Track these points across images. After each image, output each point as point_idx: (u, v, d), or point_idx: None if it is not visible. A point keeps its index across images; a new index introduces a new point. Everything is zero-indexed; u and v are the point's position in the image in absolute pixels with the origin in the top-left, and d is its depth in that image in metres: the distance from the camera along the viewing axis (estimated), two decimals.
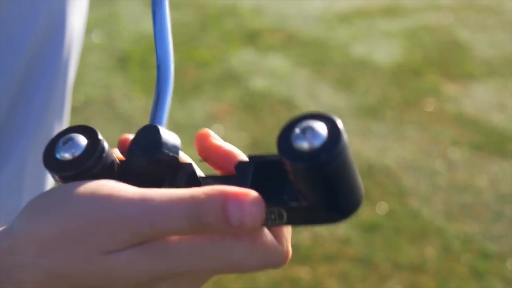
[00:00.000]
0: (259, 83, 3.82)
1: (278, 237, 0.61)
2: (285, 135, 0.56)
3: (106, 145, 0.60)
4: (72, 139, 0.59)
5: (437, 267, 2.57)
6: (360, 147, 3.26)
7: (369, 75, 4.01)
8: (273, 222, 0.60)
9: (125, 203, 0.54)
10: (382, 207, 2.87)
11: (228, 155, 0.65)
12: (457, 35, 4.53)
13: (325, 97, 3.75)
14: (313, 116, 0.57)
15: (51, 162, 0.59)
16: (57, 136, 0.60)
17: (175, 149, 0.62)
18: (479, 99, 3.75)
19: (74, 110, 3.45)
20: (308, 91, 3.80)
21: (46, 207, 0.56)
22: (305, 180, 0.56)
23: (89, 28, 4.41)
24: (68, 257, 0.55)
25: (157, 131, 0.62)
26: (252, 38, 4.40)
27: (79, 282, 0.56)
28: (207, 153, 0.65)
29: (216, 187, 0.55)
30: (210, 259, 0.56)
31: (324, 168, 0.55)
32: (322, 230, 2.73)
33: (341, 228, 2.74)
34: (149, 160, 0.61)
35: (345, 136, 0.56)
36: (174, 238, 0.55)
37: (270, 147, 3.23)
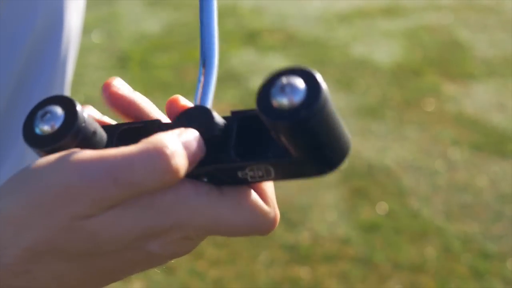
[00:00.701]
0: (259, 83, 3.81)
1: (263, 195, 0.60)
2: (264, 93, 0.55)
3: (85, 115, 0.58)
4: (50, 111, 0.58)
5: (437, 267, 2.57)
6: (360, 147, 3.26)
7: (369, 75, 4.01)
8: (261, 178, 0.60)
9: (84, 166, 0.52)
10: (382, 207, 2.87)
11: (130, 101, 0.65)
12: (457, 35, 4.53)
13: None
14: (291, 71, 0.55)
15: (31, 137, 0.58)
16: (35, 109, 0.59)
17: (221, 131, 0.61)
18: (479, 99, 3.75)
19: None
20: None
21: (15, 186, 0.55)
22: (289, 136, 0.55)
23: (89, 28, 4.41)
24: (46, 231, 0.54)
25: (208, 113, 0.61)
26: (252, 38, 4.40)
27: (65, 251, 0.55)
28: (113, 101, 0.64)
29: (165, 132, 0.54)
30: (196, 213, 0.55)
31: (306, 123, 0.54)
32: (322, 230, 2.73)
33: (341, 228, 2.74)
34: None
35: (325, 89, 0.54)
36: (158, 193, 0.54)
37: None
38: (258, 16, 4.73)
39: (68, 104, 0.58)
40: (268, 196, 0.61)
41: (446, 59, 4.22)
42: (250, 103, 3.66)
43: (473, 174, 3.09)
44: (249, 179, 0.59)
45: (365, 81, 3.93)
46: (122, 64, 4.04)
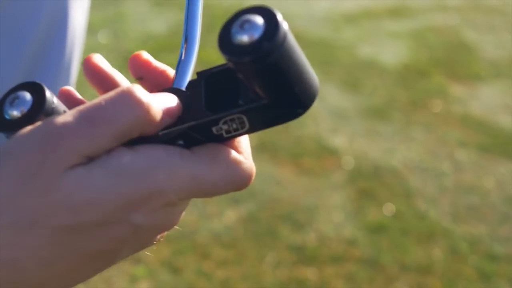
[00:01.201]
0: None
1: (238, 149, 0.61)
2: (225, 34, 0.55)
3: (54, 98, 0.59)
4: (18, 97, 0.58)
5: (444, 268, 2.56)
6: (366, 148, 3.26)
7: (376, 76, 4.01)
8: (236, 131, 0.60)
9: (60, 120, 0.53)
10: (389, 208, 2.86)
11: (160, 72, 0.64)
12: (463, 36, 4.52)
13: (331, 98, 3.74)
14: (249, 10, 0.56)
15: (2, 123, 0.58)
16: (5, 96, 0.59)
17: None
18: (486, 100, 3.74)
19: None
20: None
21: None
22: (255, 75, 0.55)
23: (96, 28, 4.41)
24: (25, 199, 0.53)
25: (181, 93, 0.62)
26: None
27: (45, 224, 0.54)
28: (141, 71, 0.64)
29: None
30: (172, 174, 0.55)
31: (269, 57, 0.54)
32: (329, 231, 2.73)
33: (348, 229, 2.74)
34: None
35: (283, 23, 0.55)
36: (128, 154, 0.54)
37: (278, 148, 3.23)
38: None
39: (36, 89, 0.59)
40: (242, 148, 0.61)
41: (453, 60, 4.21)
42: None
43: (480, 175, 3.09)
44: (225, 135, 0.59)
45: (371, 82, 3.92)
46: None
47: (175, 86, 0.63)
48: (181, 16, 4.67)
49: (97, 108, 0.52)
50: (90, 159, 0.53)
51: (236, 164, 0.59)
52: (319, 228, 2.74)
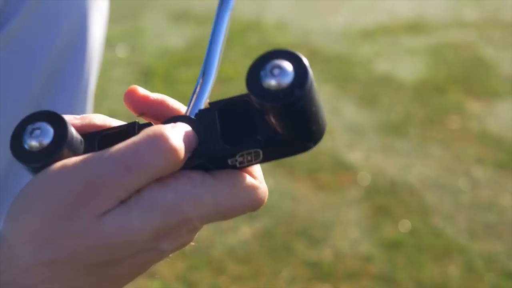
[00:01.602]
0: None
1: (256, 173, 0.64)
2: (254, 76, 0.57)
3: (73, 131, 0.59)
4: (38, 128, 0.58)
5: (460, 286, 2.55)
6: (383, 164, 3.25)
7: (393, 91, 4.00)
8: (249, 162, 0.61)
9: (94, 164, 0.54)
10: (405, 225, 2.85)
11: (159, 103, 0.65)
12: (481, 52, 4.51)
13: (348, 114, 3.74)
14: (278, 54, 0.58)
15: (19, 151, 0.58)
16: (23, 124, 0.59)
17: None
18: (503, 117, 3.73)
19: None
20: (331, 107, 3.79)
21: (25, 204, 0.56)
22: (280, 116, 0.57)
23: (114, 42, 4.43)
24: (63, 240, 0.55)
25: (193, 125, 0.62)
26: None
27: (83, 262, 0.56)
28: (140, 107, 0.65)
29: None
30: (197, 204, 0.58)
31: (298, 103, 0.56)
32: (345, 247, 2.72)
33: (364, 246, 2.73)
34: None
35: (311, 71, 0.57)
36: (158, 190, 0.56)
37: (294, 164, 3.23)
38: (282, 32, 4.73)
39: (57, 120, 0.59)
40: (256, 172, 0.64)
41: (470, 77, 4.21)
42: None
43: (496, 192, 3.07)
44: (238, 165, 0.61)
45: (388, 98, 3.92)
46: (146, 79, 4.05)
47: (190, 114, 0.65)
48: (199, 31, 4.70)
49: (133, 154, 0.54)
50: (122, 201, 0.56)
51: (253, 190, 0.62)
52: (335, 244, 2.73)
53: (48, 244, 0.55)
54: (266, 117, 0.59)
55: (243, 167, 0.62)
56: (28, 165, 0.58)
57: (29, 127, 0.59)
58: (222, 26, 0.70)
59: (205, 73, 0.69)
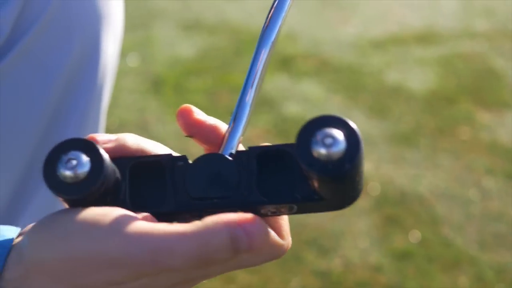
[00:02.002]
0: (292, 108, 3.83)
1: (279, 230, 0.62)
2: (303, 142, 0.56)
3: (109, 163, 0.59)
4: (75, 158, 0.57)
5: None
6: (393, 175, 3.25)
7: (403, 102, 4.00)
8: (281, 213, 0.61)
9: (128, 242, 0.54)
10: (415, 235, 2.85)
11: (213, 129, 0.65)
12: (491, 63, 4.51)
13: (358, 124, 3.71)
14: (329, 122, 0.57)
15: (53, 181, 0.58)
16: (58, 150, 0.58)
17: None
18: None
19: (109, 133, 3.45)
20: None
21: (54, 238, 0.56)
22: (324, 184, 0.57)
23: (124, 51, 4.44)
24: (82, 286, 0.56)
25: (228, 165, 0.61)
26: (285, 63, 4.41)
27: None
28: (192, 129, 0.65)
29: (218, 219, 0.55)
30: (222, 269, 0.58)
31: (346, 176, 0.56)
32: (354, 257, 2.72)
33: (373, 256, 2.73)
34: (211, 196, 0.61)
35: (362, 145, 0.57)
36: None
37: None
38: (292, 42, 4.73)
39: (92, 151, 0.58)
40: (284, 230, 0.62)
41: (481, 87, 4.20)
42: (284, 129, 3.67)
43: (507, 203, 3.07)
44: (269, 214, 0.60)
45: (398, 108, 3.91)
46: (156, 88, 4.06)
47: (224, 152, 0.63)
48: (210, 41, 4.70)
49: (165, 253, 0.54)
50: None
51: (277, 248, 0.61)
52: (345, 254, 2.73)
53: (63, 282, 0.56)
54: (306, 176, 0.58)
55: (273, 216, 0.62)
56: (61, 196, 0.58)
57: (65, 156, 0.58)
58: (261, 60, 0.69)
59: (238, 111, 0.67)
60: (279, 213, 0.61)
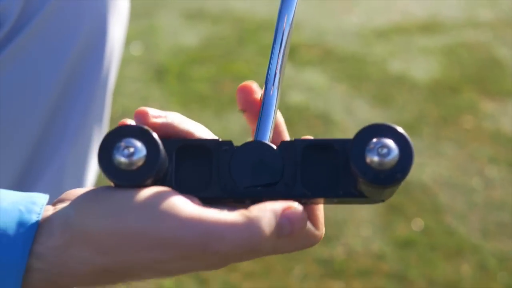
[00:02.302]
0: (296, 97, 3.83)
1: (315, 221, 0.64)
2: (359, 148, 0.58)
3: (163, 153, 0.60)
4: (132, 145, 0.58)
5: (472, 285, 2.54)
6: None
7: (406, 91, 4.00)
8: (320, 202, 0.62)
9: (182, 225, 0.56)
10: (417, 224, 2.85)
11: None
12: (495, 52, 4.50)
13: (361, 113, 3.74)
14: (386, 132, 0.59)
15: (108, 165, 0.58)
16: (115, 135, 0.59)
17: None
18: None
19: (112, 121, 3.46)
20: (345, 107, 3.79)
21: (105, 211, 0.57)
22: (372, 189, 0.58)
23: (128, 40, 4.44)
24: (125, 262, 0.57)
25: (273, 154, 0.62)
26: (289, 52, 4.40)
27: (136, 276, 0.59)
28: (248, 106, 0.67)
29: (266, 208, 0.57)
30: (259, 253, 0.59)
31: (395, 184, 0.58)
32: (357, 245, 2.72)
33: (376, 244, 2.73)
34: (255, 183, 0.62)
35: (414, 156, 0.59)
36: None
37: None
38: (296, 31, 4.73)
39: (149, 139, 0.59)
40: (319, 221, 0.65)
41: (484, 77, 4.20)
42: (287, 117, 3.66)
43: (510, 192, 3.07)
44: (309, 203, 0.61)
45: (402, 98, 3.91)
46: (160, 77, 4.06)
47: (260, 138, 0.64)
48: (213, 29, 4.70)
49: (215, 239, 0.56)
50: None
51: (311, 238, 0.63)
52: (347, 242, 2.74)
53: (107, 255, 0.57)
54: (352, 175, 0.59)
55: (313, 204, 0.63)
56: (115, 182, 0.59)
57: (121, 143, 0.58)
58: (282, 44, 0.71)
59: (265, 100, 0.68)
60: (318, 202, 0.63)
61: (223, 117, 3.53)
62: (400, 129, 0.58)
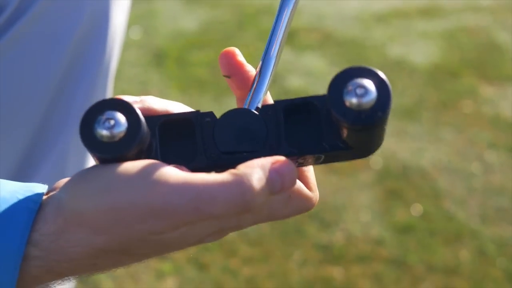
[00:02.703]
0: (295, 82, 3.82)
1: (306, 182, 0.65)
2: (335, 93, 0.58)
3: (144, 124, 0.59)
4: (113, 118, 0.58)
5: (471, 270, 2.55)
6: (395, 148, 3.25)
7: (406, 76, 3.99)
8: (309, 163, 0.62)
9: (170, 191, 0.55)
10: (416, 209, 2.85)
11: (249, 73, 0.67)
12: (495, 37, 4.50)
13: None
14: (360, 72, 0.59)
15: (90, 139, 0.58)
16: (95, 110, 0.59)
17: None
18: None
19: None
20: None
21: (94, 190, 0.57)
22: (355, 133, 0.58)
23: (127, 24, 4.43)
24: (122, 238, 0.57)
25: (256, 119, 0.62)
26: (288, 37, 4.38)
27: (135, 253, 0.59)
28: (232, 70, 0.67)
29: (253, 164, 0.57)
30: (255, 217, 0.60)
31: (377, 123, 0.58)
32: (356, 230, 2.73)
33: (375, 229, 2.74)
34: (241, 150, 0.62)
35: (391, 94, 0.58)
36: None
37: None
38: (296, 15, 4.71)
39: (129, 111, 0.59)
40: (311, 182, 0.65)
41: (484, 61, 4.19)
42: None
43: (509, 177, 3.07)
44: (297, 165, 0.61)
45: (401, 82, 3.91)
46: (159, 61, 4.06)
47: (249, 107, 0.65)
48: (212, 14, 4.69)
49: (206, 200, 0.55)
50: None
51: (306, 201, 0.64)
52: (346, 228, 2.74)
53: (102, 235, 0.56)
54: (335, 126, 0.59)
55: (300, 166, 0.63)
56: (98, 155, 0.59)
57: (102, 116, 0.58)
58: (284, 19, 0.71)
59: (263, 66, 0.68)
60: (306, 163, 0.63)
61: (222, 102, 3.53)
62: (373, 69, 0.58)
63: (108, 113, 0.58)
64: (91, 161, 1.16)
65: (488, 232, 2.72)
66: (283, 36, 0.69)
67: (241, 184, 0.55)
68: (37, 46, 0.98)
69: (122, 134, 0.58)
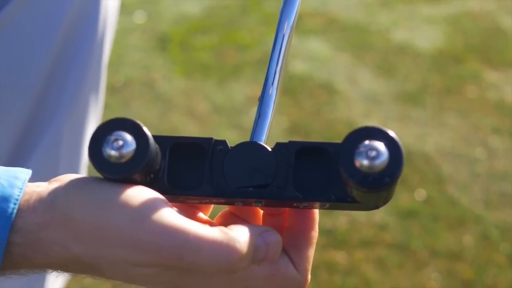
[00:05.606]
0: (298, 67, 3.82)
1: (300, 266, 0.63)
2: (347, 152, 0.57)
3: (153, 146, 0.59)
4: (121, 138, 0.58)
5: (475, 255, 2.55)
6: (399, 133, 3.24)
7: (410, 60, 3.99)
8: (314, 207, 0.62)
9: (161, 231, 0.55)
10: (420, 194, 2.85)
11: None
12: (500, 22, 4.48)
13: (364, 82, 3.73)
14: (374, 133, 0.58)
15: (97, 159, 0.58)
16: (104, 129, 0.59)
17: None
18: None
19: (115, 90, 3.47)
20: (348, 76, 3.78)
21: (91, 202, 0.58)
22: (362, 194, 0.58)
23: (131, 9, 4.43)
24: (97, 255, 0.57)
25: (265, 152, 0.62)
26: None
27: (103, 272, 0.59)
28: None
29: (245, 230, 0.57)
30: (235, 277, 0.59)
31: (383, 188, 0.57)
32: (359, 215, 2.73)
33: (379, 214, 2.74)
34: (247, 184, 0.62)
35: (403, 161, 0.57)
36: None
37: (309, 131, 3.23)
38: None
39: (138, 132, 0.59)
40: (304, 266, 0.64)
41: (488, 46, 4.18)
42: (290, 87, 3.66)
43: None
44: (301, 207, 0.61)
45: (405, 67, 3.90)
46: (162, 46, 4.05)
47: (254, 140, 0.64)
48: None
49: (192, 251, 0.56)
50: None
51: (292, 280, 0.63)
52: (350, 212, 2.74)
53: (82, 244, 0.57)
54: (350, 188, 0.59)
55: (307, 208, 0.63)
56: (105, 175, 0.59)
57: (111, 137, 0.58)
58: (283, 43, 0.71)
59: (264, 99, 0.68)
60: (311, 207, 0.62)
61: (226, 87, 3.52)
62: (391, 133, 0.58)
63: (117, 134, 0.58)
64: (85, 144, 1.16)
65: (491, 217, 2.72)
66: (283, 59, 0.69)
67: (229, 244, 0.55)
68: (28, 29, 0.98)
69: (130, 155, 0.58)
